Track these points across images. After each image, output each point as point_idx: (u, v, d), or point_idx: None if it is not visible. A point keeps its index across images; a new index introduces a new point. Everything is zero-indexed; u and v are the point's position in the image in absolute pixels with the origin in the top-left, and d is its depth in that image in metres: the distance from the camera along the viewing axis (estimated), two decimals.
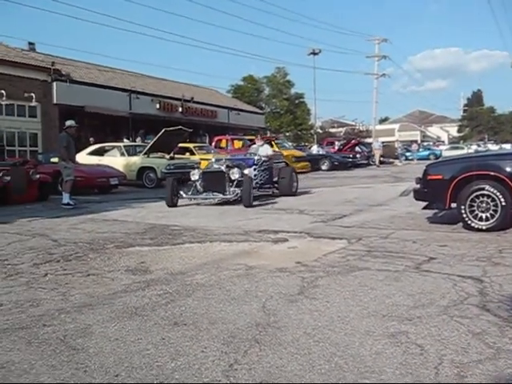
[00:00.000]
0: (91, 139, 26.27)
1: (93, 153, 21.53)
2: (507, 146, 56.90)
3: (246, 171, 13.33)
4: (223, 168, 13.13)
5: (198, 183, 13.21)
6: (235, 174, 12.91)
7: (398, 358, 3.39)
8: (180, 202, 13.16)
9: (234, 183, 12.94)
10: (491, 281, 5.12)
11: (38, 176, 14.72)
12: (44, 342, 3.82)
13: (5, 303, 4.84)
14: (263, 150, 15.44)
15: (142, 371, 3.28)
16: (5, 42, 27.72)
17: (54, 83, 26.42)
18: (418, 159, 45.37)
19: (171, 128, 20.54)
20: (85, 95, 27.86)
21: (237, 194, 12.59)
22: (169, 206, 12.54)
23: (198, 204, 13.24)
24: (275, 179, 14.83)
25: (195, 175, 13.25)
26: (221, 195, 12.94)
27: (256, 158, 14.32)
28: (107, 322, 4.24)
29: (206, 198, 13.06)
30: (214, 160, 14.14)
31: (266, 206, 12.50)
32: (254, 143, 16.51)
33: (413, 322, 4.03)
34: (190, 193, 13.18)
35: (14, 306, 4.75)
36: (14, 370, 3.36)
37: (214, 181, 13.01)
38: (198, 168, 14.16)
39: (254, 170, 13.86)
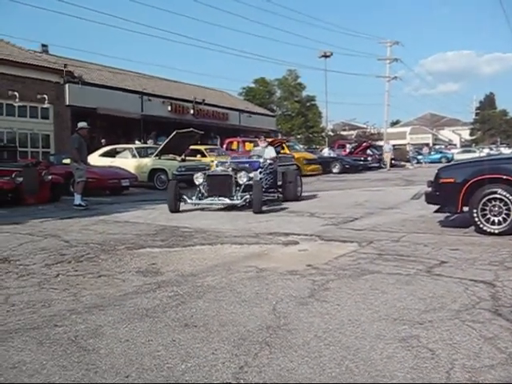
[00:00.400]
0: (103, 141, 26.41)
1: (105, 154, 21.66)
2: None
3: (251, 175, 12.63)
4: (229, 171, 12.48)
5: (201, 187, 12.54)
6: (243, 178, 12.31)
7: (409, 362, 3.36)
8: (183, 207, 12.52)
9: (241, 187, 12.31)
10: (503, 285, 5.07)
11: (50, 177, 14.82)
12: (55, 342, 3.83)
13: (17, 303, 4.86)
14: (268, 153, 14.65)
15: (153, 372, 3.28)
16: (18, 44, 27.97)
17: (67, 85, 26.56)
18: (430, 162, 45.28)
19: (183, 130, 20.58)
20: (97, 97, 27.96)
21: (245, 199, 11.93)
22: (171, 211, 11.88)
23: (202, 209, 12.60)
24: (279, 183, 14.25)
25: (199, 179, 12.52)
26: (227, 200, 12.27)
27: (261, 160, 13.56)
28: (118, 323, 4.25)
29: (212, 204, 12.44)
30: (216, 162, 13.70)
31: (274, 209, 12.42)
32: (259, 145, 15.52)
33: (424, 326, 4.00)
34: (194, 197, 12.46)
35: (26, 306, 4.77)
36: (25, 369, 3.37)
37: (220, 185, 12.35)
38: (202, 171, 13.23)
39: (260, 173, 13.13)
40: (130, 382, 3.16)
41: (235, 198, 12.22)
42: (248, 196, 11.86)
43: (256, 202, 11.62)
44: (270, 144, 16.95)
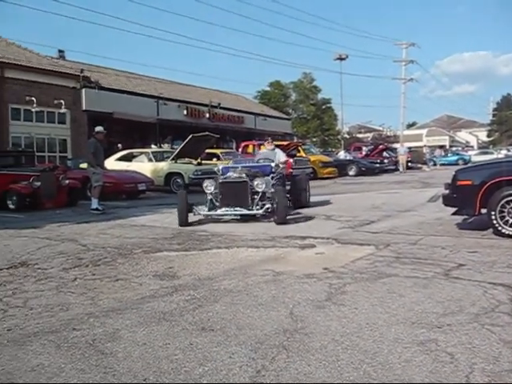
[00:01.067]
0: (119, 145, 26.53)
1: (121, 159, 21.74)
2: None
3: (259, 180, 10.99)
4: (245, 177, 10.98)
5: (212, 196, 11.00)
6: (261, 185, 10.84)
7: (428, 366, 3.34)
8: (192, 218, 10.86)
9: (258, 196, 10.90)
10: None
11: (67, 181, 14.95)
12: (73, 345, 3.85)
13: (35, 307, 4.90)
14: (278, 156, 13.09)
15: (170, 376, 3.29)
16: (36, 50, 28.23)
17: (83, 90, 26.75)
18: (447, 164, 44.87)
19: (198, 134, 20.59)
20: (113, 102, 28.13)
21: (267, 208, 10.57)
22: (181, 225, 10.27)
23: (215, 222, 10.96)
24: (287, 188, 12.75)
25: (210, 187, 10.98)
26: (244, 211, 10.84)
27: (273, 165, 12.18)
28: (135, 326, 4.27)
29: (226, 215, 10.93)
30: (221, 167, 12.29)
31: (289, 213, 12.05)
32: (265, 147, 14.03)
33: (442, 330, 3.97)
34: (206, 208, 10.96)
35: (44, 309, 4.81)
36: (43, 373, 3.39)
37: (236, 193, 10.84)
38: (213, 177, 11.64)
39: (272, 178, 11.77)
40: None
41: (255, 207, 10.85)
42: (269, 205, 10.59)
43: (280, 212, 10.38)
44: (278, 146, 15.55)
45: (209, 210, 10.94)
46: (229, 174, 11.22)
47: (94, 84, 27.50)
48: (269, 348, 3.70)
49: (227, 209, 10.82)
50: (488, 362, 3.38)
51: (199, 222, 10.92)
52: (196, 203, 11.13)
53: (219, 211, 10.89)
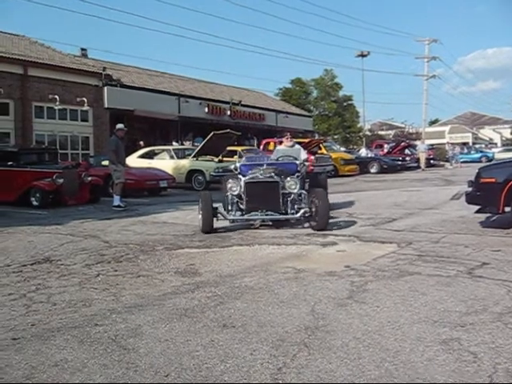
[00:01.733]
0: (141, 142, 26.65)
1: (143, 156, 21.77)
2: None
3: (292, 180, 9.66)
4: (276, 177, 9.56)
5: (236, 198, 9.60)
6: (295, 186, 9.51)
7: (451, 365, 3.32)
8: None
9: (291, 197, 9.56)
10: None
11: (89, 178, 15.05)
12: (96, 341, 3.89)
13: (58, 302, 4.95)
14: (301, 154, 11.63)
15: (192, 372, 3.31)
16: (58, 48, 28.51)
17: (105, 88, 26.93)
18: (469, 162, 44.38)
19: (220, 131, 20.54)
20: (135, 99, 28.28)
21: (305, 212, 9.15)
22: (206, 231, 8.95)
23: (240, 230, 9.13)
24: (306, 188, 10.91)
25: (235, 187, 9.54)
26: (278, 215, 9.45)
27: (298, 163, 10.65)
28: (157, 322, 4.30)
29: (255, 220, 9.56)
30: (239, 165, 10.55)
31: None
32: (284, 143, 12.52)
33: (465, 329, 3.94)
34: (233, 212, 9.53)
35: (67, 305, 4.86)
36: (67, 368, 3.43)
37: (265, 195, 9.43)
38: (237, 177, 10.12)
39: (297, 177, 10.06)
40: (169, 382, 3.19)
41: (290, 211, 9.48)
42: (307, 209, 9.22)
43: (322, 216, 8.97)
44: (299, 144, 14.58)
45: (236, 215, 9.53)
46: (255, 174, 9.66)
47: (115, 82, 27.67)
48: (290, 345, 3.71)
49: (256, 213, 9.44)
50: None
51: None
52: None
53: (246, 216, 9.49)
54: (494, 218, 9.27)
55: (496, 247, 6.95)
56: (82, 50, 31.46)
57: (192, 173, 20.81)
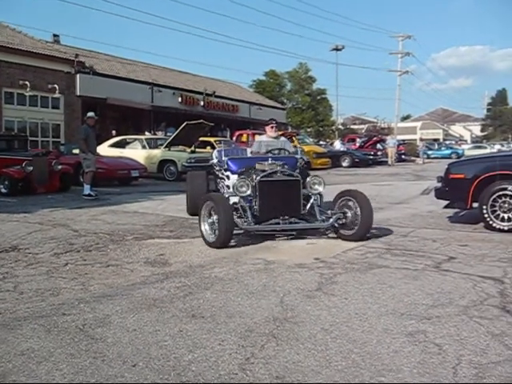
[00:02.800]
0: (113, 131, 26.43)
1: (114, 145, 21.56)
2: None
3: (316, 179, 8.05)
4: (296, 175, 7.83)
5: (243, 202, 7.55)
6: (319, 185, 7.87)
7: (416, 356, 3.37)
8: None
9: (311, 200, 7.79)
10: None
11: (59, 167, 14.87)
12: (63, 330, 3.86)
13: (25, 291, 4.90)
14: (290, 147, 9.76)
15: (160, 362, 3.30)
16: (30, 33, 28.03)
17: (78, 75, 26.63)
18: (438, 158, 45.07)
19: (193, 121, 20.42)
20: (107, 87, 28.09)
21: (338, 218, 7.45)
22: (223, 246, 6.87)
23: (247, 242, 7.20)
24: None
25: (245, 187, 7.51)
26: (304, 224, 7.63)
27: (298, 157, 8.97)
28: (126, 312, 4.28)
29: (274, 230, 7.56)
30: (227, 160, 8.77)
31: None
32: (267, 134, 10.20)
33: (431, 322, 4.00)
34: (247, 220, 7.35)
35: (35, 294, 4.81)
36: (33, 357, 3.40)
37: (284, 197, 7.66)
38: (247, 175, 8.01)
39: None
40: (137, 371, 3.18)
41: (319, 217, 7.64)
42: (341, 214, 7.56)
43: (365, 223, 7.39)
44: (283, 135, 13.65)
45: (248, 224, 7.33)
46: (268, 171, 7.73)
47: (88, 69, 27.39)
48: (258, 336, 3.73)
49: (277, 221, 7.49)
50: (475, 354, 3.41)
51: None
52: None
53: (263, 226, 7.44)
54: (463, 213, 9.42)
55: (463, 242, 7.07)
56: (55, 36, 30.99)
57: (164, 163, 20.69)
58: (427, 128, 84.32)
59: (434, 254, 6.37)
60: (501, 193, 7.94)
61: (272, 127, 9.94)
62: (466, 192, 8.15)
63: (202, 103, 36.45)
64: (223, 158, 8.98)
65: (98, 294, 4.83)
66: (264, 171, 7.77)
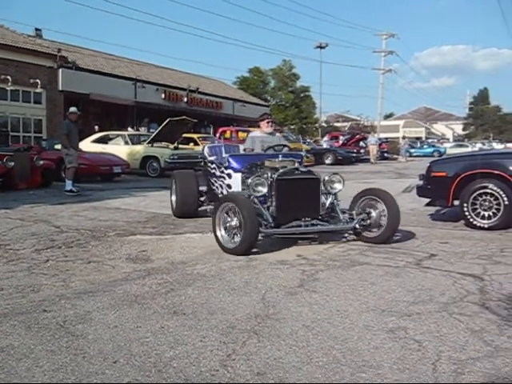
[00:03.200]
0: (96, 127, 26.23)
1: (97, 140, 21.36)
2: (502, 146, 55.58)
3: (335, 177, 7.56)
4: (315, 173, 7.35)
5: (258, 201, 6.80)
6: (339, 184, 7.40)
7: (396, 353, 3.39)
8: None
9: (329, 200, 7.32)
10: (491, 279, 5.11)
11: (41, 162, 14.73)
12: (44, 327, 3.83)
13: (6, 288, 4.85)
14: (284, 142, 9.16)
15: (141, 359, 3.29)
16: (12, 27, 27.72)
17: (60, 70, 26.34)
18: (420, 156, 45.36)
19: (176, 118, 20.32)
20: (90, 83, 27.80)
21: (361, 219, 7.02)
22: (243, 253, 6.18)
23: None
24: None
25: (262, 186, 6.89)
26: (328, 225, 7.06)
27: (303, 153, 8.66)
28: (107, 309, 4.26)
29: (294, 233, 6.80)
30: (228, 156, 8.32)
31: None
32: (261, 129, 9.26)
33: (412, 318, 4.02)
34: (265, 222, 6.63)
35: (15, 290, 4.77)
36: (13, 353, 3.37)
37: (303, 197, 7.05)
38: (263, 173, 7.24)
39: None
40: (117, 368, 3.17)
41: (342, 219, 7.11)
42: (365, 215, 7.10)
43: (392, 225, 6.89)
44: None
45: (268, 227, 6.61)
46: (287, 169, 7.18)
47: (71, 64, 27.10)
48: (240, 333, 3.73)
49: (299, 223, 6.85)
50: (455, 350, 3.43)
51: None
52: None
53: (283, 228, 6.75)
54: (444, 211, 9.50)
55: (444, 239, 7.13)
56: (37, 30, 30.63)
57: (147, 159, 20.52)
58: (410, 126, 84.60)
59: (415, 251, 6.41)
60: (481, 191, 7.99)
61: (268, 122, 9.13)
62: (447, 190, 8.21)
63: (185, 99, 36.13)
64: (224, 155, 8.55)
65: (79, 290, 4.79)
66: (274, 168, 7.25)
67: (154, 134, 21.02)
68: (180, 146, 21.11)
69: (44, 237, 7.33)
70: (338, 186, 7.39)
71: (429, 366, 3.20)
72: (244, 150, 8.91)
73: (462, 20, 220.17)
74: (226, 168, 8.34)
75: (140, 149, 20.74)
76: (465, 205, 8.01)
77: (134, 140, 21.59)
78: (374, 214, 7.11)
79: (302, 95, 62.99)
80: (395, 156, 40.53)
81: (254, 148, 8.75)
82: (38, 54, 25.34)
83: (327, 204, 7.25)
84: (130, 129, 28.11)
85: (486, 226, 7.85)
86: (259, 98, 53.79)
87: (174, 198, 9.56)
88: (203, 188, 9.20)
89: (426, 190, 8.79)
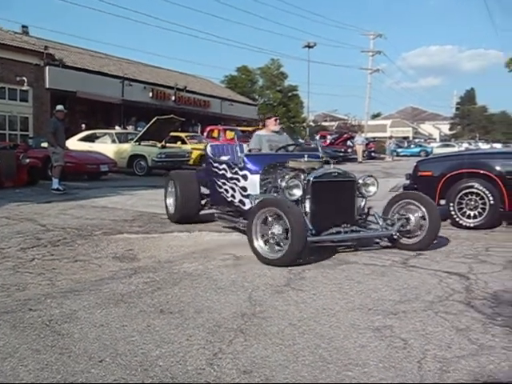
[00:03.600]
0: (83, 125, 26.05)
1: (84, 139, 21.05)
2: (498, 146, 55.60)
3: (369, 179, 6.97)
4: (351, 174, 6.76)
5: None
6: (373, 187, 6.91)
7: (382, 351, 3.40)
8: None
9: (363, 204, 6.87)
10: (477, 278, 5.14)
11: (27, 160, 14.60)
12: (29, 326, 3.80)
13: None
14: (291, 142, 8.68)
15: (127, 357, 3.28)
16: None
17: (47, 67, 26.11)
18: (407, 155, 45.57)
19: (163, 116, 20.17)
20: (78, 81, 27.55)
21: (401, 225, 6.49)
22: (289, 264, 5.54)
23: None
24: None
25: (297, 189, 6.30)
26: (366, 232, 6.55)
27: (320, 154, 7.57)
28: (93, 308, 4.23)
29: (341, 239, 6.34)
30: (243, 156, 7.46)
31: None
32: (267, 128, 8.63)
33: (398, 317, 4.04)
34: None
35: (0, 289, 4.73)
36: None
37: (339, 201, 6.51)
38: (299, 173, 6.61)
39: None
40: (103, 367, 3.15)
41: (381, 224, 6.60)
42: (404, 220, 6.57)
43: (433, 231, 6.41)
44: (243, 132, 12.81)
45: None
46: (322, 169, 6.65)
47: (58, 62, 26.87)
48: (226, 331, 3.72)
49: (339, 229, 6.25)
50: (440, 349, 3.44)
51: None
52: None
53: (323, 235, 6.15)
54: None
55: None
56: (23, 27, 30.29)
57: (134, 158, 20.16)
58: (397, 126, 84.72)
59: (402, 250, 6.43)
60: (467, 190, 8.05)
61: (276, 120, 8.58)
62: (433, 189, 8.26)
63: (173, 98, 35.88)
64: (239, 155, 7.90)
65: (65, 289, 4.76)
66: (300, 170, 6.70)
67: (141, 133, 20.83)
68: (168, 144, 21.01)
69: (30, 235, 7.26)
70: (372, 189, 6.92)
71: (414, 364, 3.21)
72: (249, 150, 8.15)
73: (451, 20, 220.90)
74: (241, 169, 7.43)
75: (127, 147, 20.44)
76: (451, 204, 8.07)
77: (122, 138, 21.33)
78: (412, 219, 6.61)
79: (289, 94, 62.61)
80: (382, 155, 40.64)
81: (260, 148, 8.06)
82: (25, 52, 25.11)
83: (361, 208, 6.79)
84: (117, 127, 27.75)
85: (471, 225, 7.91)
86: (247, 97, 53.46)
87: (170, 200, 8.78)
88: (204, 190, 8.58)
89: (413, 190, 8.82)
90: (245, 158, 7.43)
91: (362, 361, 3.26)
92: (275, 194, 6.73)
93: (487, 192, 7.89)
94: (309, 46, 52.67)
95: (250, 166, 7.31)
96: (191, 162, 20.89)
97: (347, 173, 6.74)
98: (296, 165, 6.80)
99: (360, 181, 6.78)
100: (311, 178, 6.36)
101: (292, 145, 8.31)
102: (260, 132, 8.76)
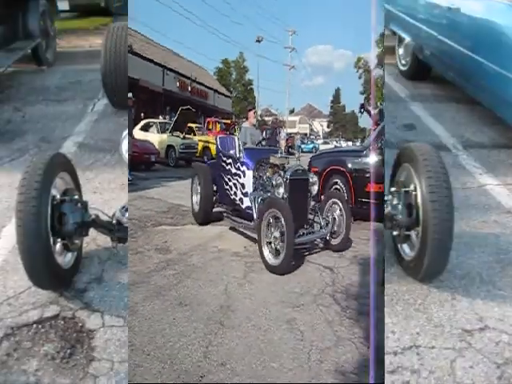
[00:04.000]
0: (141, 114, 17.33)
1: (142, 128, 14.44)
2: (345, 144, 38.52)
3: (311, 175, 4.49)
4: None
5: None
6: (317, 185, 4.48)
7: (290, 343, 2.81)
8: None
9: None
10: (338, 272, 4.11)
11: None
12: None
13: None
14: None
15: (160, 351, 2.61)
16: None
17: None
18: (305, 152, 32.58)
19: (184, 107, 13.73)
20: (142, 68, 18.86)
21: (332, 225, 4.29)
22: (286, 271, 3.80)
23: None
24: None
25: (282, 187, 4.07)
26: (317, 233, 4.36)
27: (278, 149, 4.72)
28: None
29: (301, 243, 4.08)
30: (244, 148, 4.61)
31: None
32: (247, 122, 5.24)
33: (300, 309, 3.28)
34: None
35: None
36: None
37: (302, 200, 4.26)
38: (277, 170, 4.17)
39: None
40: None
41: (322, 225, 4.43)
42: (332, 219, 4.40)
43: (348, 230, 4.31)
44: (225, 124, 9.15)
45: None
46: (297, 167, 4.37)
47: (128, 47, 19.59)
48: (213, 323, 3.00)
49: (302, 230, 4.30)
50: (319, 340, 2.83)
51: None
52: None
53: (299, 238, 4.06)
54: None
55: None
56: None
57: (168, 148, 13.73)
58: (303, 123, 69.50)
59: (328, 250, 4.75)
60: (334, 186, 5.85)
61: (254, 113, 5.50)
62: (319, 185, 5.72)
63: (189, 88, 23.87)
64: (241, 149, 4.54)
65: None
66: (277, 166, 4.19)
67: (172, 123, 14.02)
68: (186, 135, 14.43)
69: None
70: (315, 188, 4.33)
71: (306, 355, 2.67)
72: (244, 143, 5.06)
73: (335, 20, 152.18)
74: (242, 164, 4.56)
75: (165, 138, 13.88)
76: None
77: (163, 128, 14.40)
78: (336, 218, 4.22)
79: (248, 88, 44.31)
80: (295, 151, 34.68)
81: (246, 141, 5.03)
82: None
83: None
84: (160, 117, 18.93)
85: None
86: (227, 89, 37.10)
87: (197, 197, 5.29)
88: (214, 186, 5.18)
89: None
90: (244, 153, 4.55)
91: (278, 353, 2.69)
92: (269, 194, 4.18)
93: (344, 188, 5.73)
94: (258, 41, 36.46)
95: (246, 161, 4.50)
96: (198, 154, 14.33)
97: (306, 170, 4.32)
98: (275, 161, 4.26)
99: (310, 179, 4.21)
100: (288, 176, 4.01)
101: (266, 139, 5.26)
102: (245, 124, 5.60)
